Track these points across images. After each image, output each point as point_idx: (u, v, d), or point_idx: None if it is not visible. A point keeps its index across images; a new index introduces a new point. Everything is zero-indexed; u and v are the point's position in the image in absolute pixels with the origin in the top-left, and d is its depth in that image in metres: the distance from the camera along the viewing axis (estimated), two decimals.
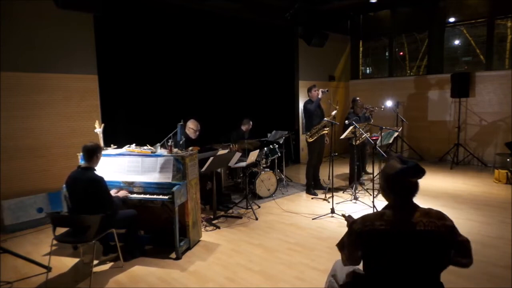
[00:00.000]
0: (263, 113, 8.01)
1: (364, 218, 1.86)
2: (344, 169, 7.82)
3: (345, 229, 4.52)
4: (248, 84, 7.99)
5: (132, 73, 6.14)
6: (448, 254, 1.75)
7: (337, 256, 3.77)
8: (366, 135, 5.49)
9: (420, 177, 1.80)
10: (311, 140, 5.94)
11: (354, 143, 5.87)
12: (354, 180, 6.47)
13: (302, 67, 9.13)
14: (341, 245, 2.00)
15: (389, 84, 9.67)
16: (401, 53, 9.86)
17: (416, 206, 1.82)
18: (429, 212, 1.80)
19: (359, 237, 1.82)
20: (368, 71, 10.90)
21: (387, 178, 1.85)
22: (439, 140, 8.78)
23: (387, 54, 10.05)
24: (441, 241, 1.73)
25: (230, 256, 3.87)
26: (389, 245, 1.75)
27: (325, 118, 5.87)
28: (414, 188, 1.82)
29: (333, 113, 5.86)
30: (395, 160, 1.85)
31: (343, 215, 2.41)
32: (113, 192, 3.70)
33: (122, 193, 3.77)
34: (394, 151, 9.13)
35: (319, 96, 5.95)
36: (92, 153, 3.46)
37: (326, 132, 5.94)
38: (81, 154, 3.65)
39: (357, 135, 5.72)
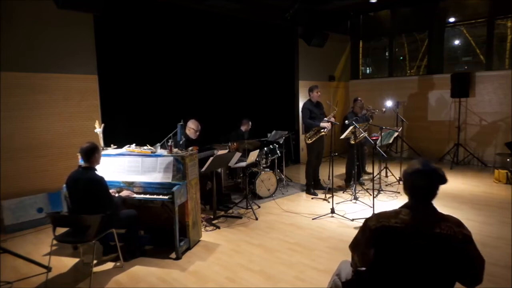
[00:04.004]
0: (263, 113, 8.01)
1: (380, 214, 1.83)
2: (344, 169, 7.80)
3: (345, 229, 4.53)
4: (248, 84, 7.99)
5: (132, 73, 6.14)
6: (460, 264, 1.69)
7: (337, 255, 3.77)
8: (364, 134, 5.49)
9: (434, 182, 1.76)
10: (310, 141, 5.93)
11: (352, 142, 5.88)
12: (350, 180, 6.61)
13: (302, 67, 9.13)
14: (354, 245, 1.96)
15: (389, 84, 9.67)
16: (401, 58, 9.87)
17: (434, 209, 1.79)
18: (447, 218, 1.76)
19: (373, 233, 1.77)
20: (368, 71, 10.90)
21: (404, 176, 1.86)
22: (439, 140, 8.78)
23: (387, 54, 10.06)
24: (456, 248, 1.67)
25: (230, 256, 3.87)
26: (401, 244, 1.71)
27: (325, 119, 5.87)
28: (428, 192, 1.78)
29: (332, 114, 5.87)
30: (418, 161, 1.84)
31: None
32: (112, 190, 3.69)
33: (125, 193, 3.77)
34: (394, 151, 9.13)
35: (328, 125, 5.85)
36: (90, 154, 3.46)
37: (325, 133, 5.93)
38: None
39: (357, 135, 5.73)
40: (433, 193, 1.79)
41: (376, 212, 1.92)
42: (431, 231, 1.69)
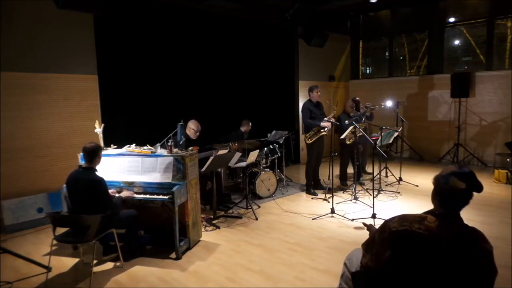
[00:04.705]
0: (263, 113, 8.01)
1: (403, 217, 1.74)
2: None
3: (345, 229, 4.53)
4: (248, 84, 7.99)
5: (132, 73, 6.14)
6: (476, 276, 1.64)
7: (337, 255, 3.77)
8: (362, 132, 5.51)
9: (470, 187, 1.67)
10: (310, 141, 5.93)
11: (348, 142, 5.89)
12: (344, 179, 6.73)
13: (302, 67, 9.13)
14: (368, 244, 1.87)
15: (389, 84, 9.67)
16: (401, 58, 9.87)
17: (461, 220, 1.72)
18: (472, 230, 1.70)
19: (392, 235, 1.69)
20: (368, 71, 10.90)
21: (436, 180, 1.75)
22: (439, 140, 8.78)
23: (387, 54, 10.05)
24: (476, 262, 1.62)
25: (230, 256, 3.87)
26: (421, 251, 1.63)
27: (325, 119, 5.86)
28: (462, 199, 1.69)
29: (332, 114, 5.87)
30: (454, 165, 1.74)
31: (364, 224, 2.35)
32: (111, 191, 3.69)
33: (125, 193, 3.77)
34: (394, 151, 9.13)
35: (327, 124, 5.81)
36: (93, 154, 3.46)
37: (325, 133, 5.93)
38: (81, 154, 3.65)
39: (357, 134, 5.75)
40: (466, 202, 1.70)
41: (399, 214, 1.83)
42: (454, 242, 1.62)
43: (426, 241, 1.63)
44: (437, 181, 1.76)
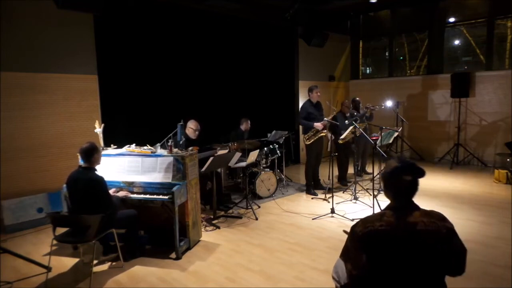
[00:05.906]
0: (263, 113, 8.01)
1: (365, 220, 1.84)
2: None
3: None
4: (248, 84, 7.99)
5: (132, 73, 6.14)
6: (447, 256, 1.74)
7: (337, 255, 3.76)
8: (360, 131, 5.52)
9: (415, 176, 1.79)
10: (309, 142, 5.93)
11: (340, 142, 5.89)
12: (342, 178, 6.77)
13: (302, 67, 9.13)
14: (345, 253, 1.96)
15: (389, 84, 9.67)
16: (401, 58, 9.87)
17: (417, 207, 1.82)
18: (430, 213, 1.79)
19: (361, 239, 1.79)
20: (368, 71, 10.90)
21: (384, 177, 1.87)
22: (439, 140, 8.78)
23: (387, 54, 10.05)
24: (441, 242, 1.72)
25: (230, 256, 3.87)
26: (390, 245, 1.74)
27: (325, 119, 5.86)
28: (411, 188, 1.80)
29: (331, 116, 5.87)
30: (394, 159, 1.86)
31: (345, 231, 2.38)
32: (111, 191, 3.70)
33: (122, 193, 3.77)
34: (394, 151, 9.13)
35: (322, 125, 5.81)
36: (89, 154, 3.46)
37: (324, 134, 5.92)
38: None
39: (357, 134, 5.75)
40: (415, 189, 1.81)
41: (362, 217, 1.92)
42: (416, 228, 1.72)
43: (390, 235, 1.74)
44: (384, 178, 1.87)
